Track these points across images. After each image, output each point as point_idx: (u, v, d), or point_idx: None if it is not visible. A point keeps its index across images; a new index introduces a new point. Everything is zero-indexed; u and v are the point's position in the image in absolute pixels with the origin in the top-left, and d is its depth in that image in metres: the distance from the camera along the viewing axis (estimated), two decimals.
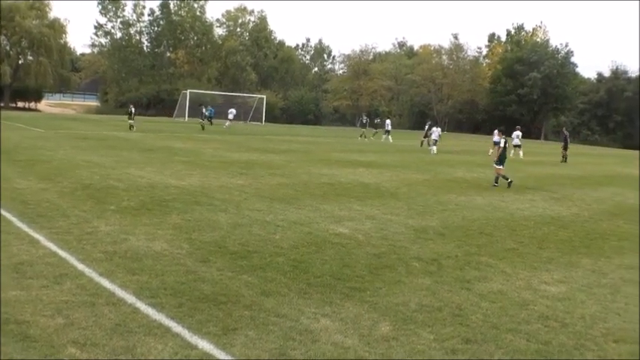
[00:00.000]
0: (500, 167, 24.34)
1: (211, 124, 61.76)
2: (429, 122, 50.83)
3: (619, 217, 18.91)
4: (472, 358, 7.16)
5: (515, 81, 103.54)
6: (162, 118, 59.78)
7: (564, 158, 43.17)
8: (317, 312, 8.19)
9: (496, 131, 45.27)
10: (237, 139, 44.20)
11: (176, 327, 7.32)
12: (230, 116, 64.39)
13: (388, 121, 60.36)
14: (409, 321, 8.13)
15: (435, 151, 41.97)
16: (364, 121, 60.57)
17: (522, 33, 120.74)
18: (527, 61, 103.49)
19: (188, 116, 74.84)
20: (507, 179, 24.17)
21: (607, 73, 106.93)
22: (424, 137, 48.36)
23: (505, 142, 25.12)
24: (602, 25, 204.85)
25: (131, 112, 47.66)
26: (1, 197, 14.63)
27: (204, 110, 58.42)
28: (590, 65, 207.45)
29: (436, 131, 44.63)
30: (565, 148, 43.96)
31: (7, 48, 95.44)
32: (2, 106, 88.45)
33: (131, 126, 46.66)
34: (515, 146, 44.34)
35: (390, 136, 57.05)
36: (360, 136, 57.50)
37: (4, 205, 13.70)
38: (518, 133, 45.76)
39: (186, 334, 7.14)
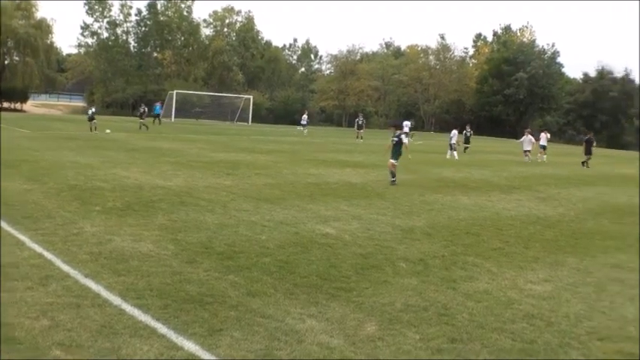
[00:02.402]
0: (394, 162, 23.12)
1: (159, 123, 61.47)
2: (466, 127, 48.64)
3: (604, 216, 18.99)
4: (458, 358, 7.18)
5: (502, 81, 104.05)
6: (148, 119, 59.58)
7: (585, 164, 40.89)
8: (303, 312, 8.19)
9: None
10: (223, 140, 44.16)
11: (162, 328, 7.30)
12: (303, 122, 64.15)
13: (407, 123, 58.61)
14: (395, 321, 8.14)
15: (457, 156, 39.87)
16: (360, 122, 58.56)
17: (509, 33, 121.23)
18: (513, 61, 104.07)
19: (175, 117, 74.80)
20: (393, 177, 22.99)
21: (593, 74, 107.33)
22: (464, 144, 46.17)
23: (399, 138, 23.29)
24: (587, 25, 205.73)
25: (91, 114, 44.58)
26: None
27: (142, 109, 54.82)
28: (575, 65, 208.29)
29: (455, 134, 41.79)
30: (588, 152, 41.52)
31: None
32: None
33: (91, 128, 43.51)
34: (542, 147, 43.97)
35: (406, 139, 55.91)
36: (357, 137, 56.22)
37: None
38: (547, 135, 45.47)
39: (171, 335, 7.13)
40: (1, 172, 18.31)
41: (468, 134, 47.04)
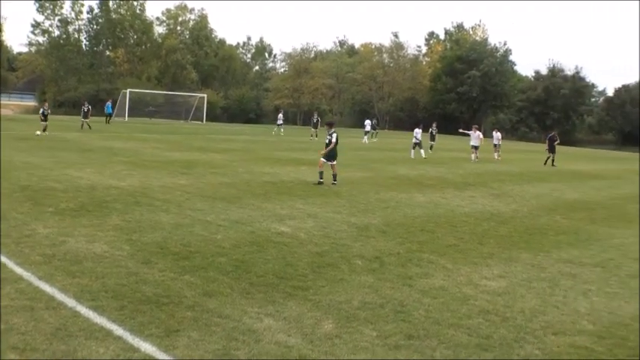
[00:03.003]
0: (329, 162, 22.07)
1: (109, 122, 61.11)
2: (424, 125, 45.31)
3: (557, 212, 19.30)
4: (415, 354, 7.23)
5: (455, 79, 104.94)
6: (101, 118, 59.11)
7: (551, 162, 40.56)
8: (260, 312, 8.18)
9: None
10: (178, 139, 43.86)
11: (118, 330, 7.24)
12: (279, 122, 62.74)
13: (368, 122, 58.94)
14: (352, 318, 8.18)
15: (424, 154, 38.40)
16: (315, 121, 58.11)
17: (461, 32, 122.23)
18: (466, 59, 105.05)
19: (128, 116, 74.08)
20: (321, 179, 21.84)
21: (544, 71, 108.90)
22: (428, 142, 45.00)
23: (337, 138, 22.27)
24: (539, 24, 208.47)
25: (45, 113, 42.23)
26: None
27: (86, 107, 50.83)
28: (527, 63, 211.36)
29: (418, 132, 40.12)
30: (552, 150, 41.19)
31: None
32: None
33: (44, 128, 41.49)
34: (495, 145, 44.02)
35: (366, 137, 56.01)
36: (312, 135, 55.63)
37: None
38: (498, 135, 45.39)
39: (128, 336, 7.07)
40: (1, 177, 18.01)
41: (434, 132, 46.25)
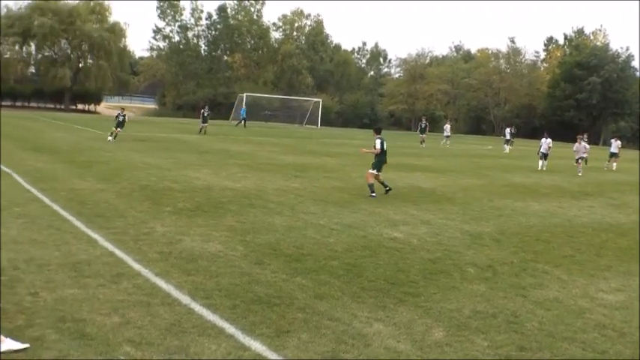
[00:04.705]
0: (374, 172, 19.86)
1: (245, 126, 62.76)
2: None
3: None
4: None
5: (574, 85, 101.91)
6: (219, 121, 60.46)
7: None
8: (370, 316, 8.17)
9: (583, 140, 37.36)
10: (292, 142, 44.37)
11: (230, 328, 7.38)
12: (446, 133, 59.37)
13: (508, 130, 57.41)
14: (463, 327, 8.06)
15: (544, 167, 35.55)
16: (423, 126, 56.06)
17: (581, 37, 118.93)
18: (586, 65, 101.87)
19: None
20: (373, 192, 19.32)
21: None
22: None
23: (381, 145, 19.78)
24: None
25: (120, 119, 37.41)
26: (59, 197, 14.98)
27: (205, 112, 48.81)
28: None
29: (545, 143, 36.67)
30: None
31: (68, 51, 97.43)
32: (62, 109, 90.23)
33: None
34: (612, 154, 41.52)
35: (507, 146, 54.28)
36: (421, 142, 52.93)
37: (63, 205, 13.99)
38: (618, 143, 42.44)
39: (239, 335, 7.20)
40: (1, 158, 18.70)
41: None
